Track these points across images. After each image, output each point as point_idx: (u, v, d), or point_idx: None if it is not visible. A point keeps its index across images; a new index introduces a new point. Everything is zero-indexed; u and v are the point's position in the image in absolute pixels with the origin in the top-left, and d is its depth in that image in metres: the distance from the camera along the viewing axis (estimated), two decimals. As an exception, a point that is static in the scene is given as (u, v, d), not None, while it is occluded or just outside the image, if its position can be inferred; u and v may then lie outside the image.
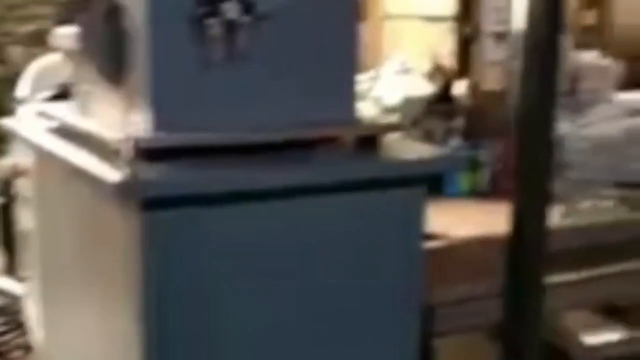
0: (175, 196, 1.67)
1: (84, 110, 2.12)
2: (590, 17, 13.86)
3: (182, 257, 1.71)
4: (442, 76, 5.53)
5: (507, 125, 5.38)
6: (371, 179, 1.88)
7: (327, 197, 1.83)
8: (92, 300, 2.03)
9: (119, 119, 1.88)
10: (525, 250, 2.21)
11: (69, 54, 2.08)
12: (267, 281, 1.82)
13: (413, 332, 2.00)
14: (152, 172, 1.67)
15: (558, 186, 3.68)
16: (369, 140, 1.95)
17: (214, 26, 1.76)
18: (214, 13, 1.74)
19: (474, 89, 5.63)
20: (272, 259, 1.81)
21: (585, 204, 3.26)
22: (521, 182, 2.24)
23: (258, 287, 1.80)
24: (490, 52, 5.51)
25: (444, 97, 5.52)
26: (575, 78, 6.65)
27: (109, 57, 1.86)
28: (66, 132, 2.08)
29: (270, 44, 1.83)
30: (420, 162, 2.01)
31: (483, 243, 2.51)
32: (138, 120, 1.80)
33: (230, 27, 1.77)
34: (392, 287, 1.95)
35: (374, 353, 1.95)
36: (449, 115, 5.51)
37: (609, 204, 3.98)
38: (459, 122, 5.38)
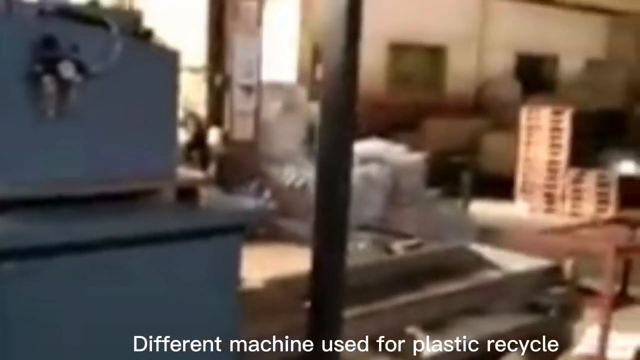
0: (19, 248, 1.69)
1: None
2: (320, 71, 14.76)
3: (24, 305, 1.73)
4: (196, 124, 5.71)
5: (258, 172, 5.66)
6: (193, 229, 2.02)
7: (151, 246, 1.94)
8: None
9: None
10: (325, 287, 2.44)
11: None
12: (95, 329, 1.88)
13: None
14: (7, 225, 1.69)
15: (304, 229, 3.98)
16: (188, 192, 2.09)
17: (49, 84, 1.82)
18: (50, 71, 1.79)
19: (225, 137, 5.86)
20: (102, 307, 1.88)
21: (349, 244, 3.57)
22: (320, 219, 2.46)
23: (86, 335, 1.86)
24: (240, 102, 5.80)
25: (198, 144, 5.70)
26: (313, 128, 7.13)
27: None
28: None
29: (98, 102, 1.93)
30: (240, 212, 2.19)
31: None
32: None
33: (63, 85, 1.84)
34: (215, 323, 2.09)
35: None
36: (203, 162, 5.69)
37: (364, 246, 4.40)
38: (211, 169, 5.57)
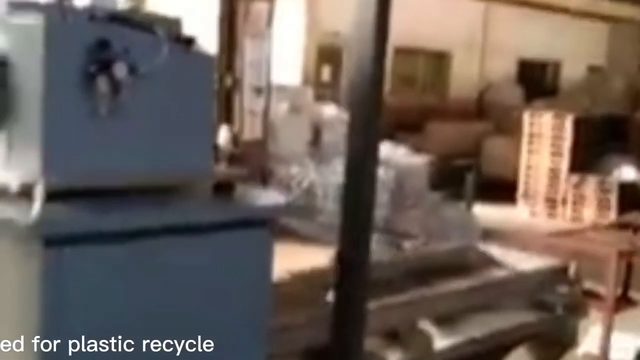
0: (78, 234, 1.83)
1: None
2: (326, 74, 14.88)
3: (78, 289, 1.87)
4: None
5: (267, 171, 5.77)
6: (228, 221, 2.16)
7: (190, 236, 2.08)
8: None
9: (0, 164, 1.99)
10: (351, 280, 2.59)
11: None
12: (139, 308, 2.02)
13: (262, 350, 2.27)
14: (58, 211, 1.82)
15: (309, 229, 4.11)
16: (224, 186, 2.23)
17: (103, 83, 1.96)
18: (103, 72, 1.93)
19: (235, 137, 5.99)
20: (145, 289, 2.02)
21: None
22: (346, 220, 2.61)
23: (131, 313, 2.00)
24: (250, 103, 5.91)
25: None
26: (319, 129, 7.26)
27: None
28: None
29: (144, 102, 2.06)
30: (272, 207, 2.34)
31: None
32: (25, 166, 1.93)
33: (115, 85, 1.97)
34: (247, 311, 2.23)
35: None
36: (214, 161, 5.81)
37: (374, 245, 4.52)
38: (221, 167, 5.68)
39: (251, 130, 5.88)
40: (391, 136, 8.50)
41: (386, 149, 7.81)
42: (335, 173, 5.22)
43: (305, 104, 6.96)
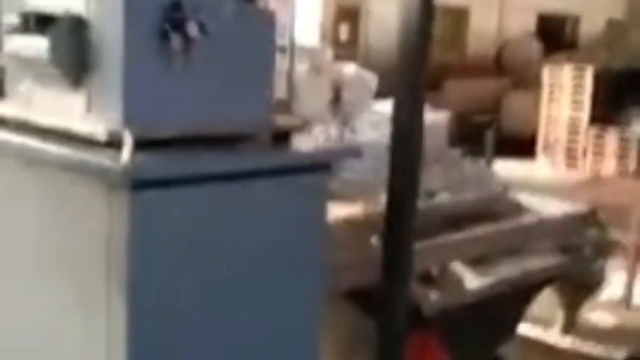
0: (161, 179, 2.04)
1: (28, 108, 2.36)
2: (344, 32, 14.91)
3: (162, 230, 2.08)
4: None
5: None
6: (289, 166, 2.37)
7: (258, 180, 2.28)
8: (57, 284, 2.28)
9: (79, 116, 2.18)
10: (402, 226, 2.80)
11: (23, 60, 2.30)
12: (215, 247, 2.23)
13: (320, 286, 2.49)
14: (143, 157, 2.03)
15: (333, 185, 4.29)
16: (281, 135, 2.43)
17: (176, 40, 2.14)
18: (176, 30, 2.12)
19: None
20: (219, 230, 2.23)
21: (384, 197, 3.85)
22: (394, 171, 2.81)
23: (208, 253, 2.21)
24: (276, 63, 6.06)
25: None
26: (339, 88, 7.41)
27: (75, 64, 2.16)
28: (19, 126, 2.31)
29: (212, 57, 2.25)
30: (325, 152, 2.54)
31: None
32: (106, 118, 2.12)
33: (187, 42, 2.16)
34: (305, 250, 2.43)
35: (295, 303, 2.43)
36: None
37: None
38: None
39: (276, 90, 6.03)
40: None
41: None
42: (354, 130, 5.34)
43: (325, 64, 7.09)
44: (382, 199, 3.75)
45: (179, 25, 2.14)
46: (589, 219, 4.23)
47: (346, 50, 12.60)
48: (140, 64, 2.13)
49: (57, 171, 2.15)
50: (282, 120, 2.51)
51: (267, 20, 2.42)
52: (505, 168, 10.43)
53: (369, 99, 5.22)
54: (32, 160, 2.23)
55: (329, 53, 7.92)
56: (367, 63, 6.83)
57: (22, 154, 2.26)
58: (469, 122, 11.65)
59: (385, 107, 7.22)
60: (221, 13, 2.23)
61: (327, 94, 6.94)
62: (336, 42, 12.81)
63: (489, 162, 10.52)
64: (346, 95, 7.23)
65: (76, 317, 2.20)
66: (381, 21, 13.74)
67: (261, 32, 2.39)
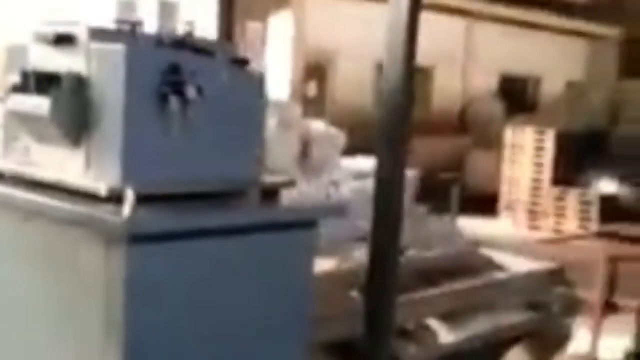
0: (158, 233, 2.12)
1: (25, 164, 2.43)
2: (312, 89, 15.13)
3: (157, 282, 2.15)
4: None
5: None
6: (279, 222, 2.46)
7: (245, 236, 2.37)
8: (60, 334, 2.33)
9: (78, 172, 2.26)
10: (383, 282, 2.89)
11: (23, 117, 2.36)
12: (207, 298, 2.31)
13: (305, 338, 2.57)
14: (142, 213, 2.11)
15: None
16: (271, 193, 2.52)
17: (175, 102, 2.24)
18: (175, 92, 2.21)
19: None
20: (211, 282, 2.31)
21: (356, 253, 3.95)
22: (377, 225, 2.91)
23: (201, 304, 2.29)
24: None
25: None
26: (307, 143, 7.53)
27: (75, 123, 2.24)
28: (17, 181, 2.38)
29: (207, 118, 2.35)
30: (314, 209, 2.64)
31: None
32: (105, 174, 2.20)
33: (185, 104, 2.26)
34: (292, 303, 2.51)
35: (281, 355, 2.50)
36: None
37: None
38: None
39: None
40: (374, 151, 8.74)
41: (372, 163, 8.09)
42: (323, 186, 5.45)
43: (294, 119, 7.22)
44: (356, 254, 3.84)
45: (177, 88, 2.25)
46: (556, 276, 4.36)
47: (314, 106, 12.80)
48: (140, 123, 2.22)
49: (56, 224, 2.22)
50: (271, 179, 2.60)
51: (258, 81, 2.53)
52: (469, 225, 10.61)
53: (337, 155, 5.35)
54: (31, 213, 2.29)
55: (297, 109, 8.06)
56: (334, 119, 6.98)
57: (21, 207, 2.33)
58: (434, 179, 11.83)
59: (358, 163, 7.36)
60: (217, 76, 2.34)
61: (295, 149, 7.05)
62: (304, 98, 13.01)
63: (453, 219, 10.69)
64: (315, 152, 7.35)
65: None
66: (348, 79, 14.03)
67: (252, 94, 2.51)
